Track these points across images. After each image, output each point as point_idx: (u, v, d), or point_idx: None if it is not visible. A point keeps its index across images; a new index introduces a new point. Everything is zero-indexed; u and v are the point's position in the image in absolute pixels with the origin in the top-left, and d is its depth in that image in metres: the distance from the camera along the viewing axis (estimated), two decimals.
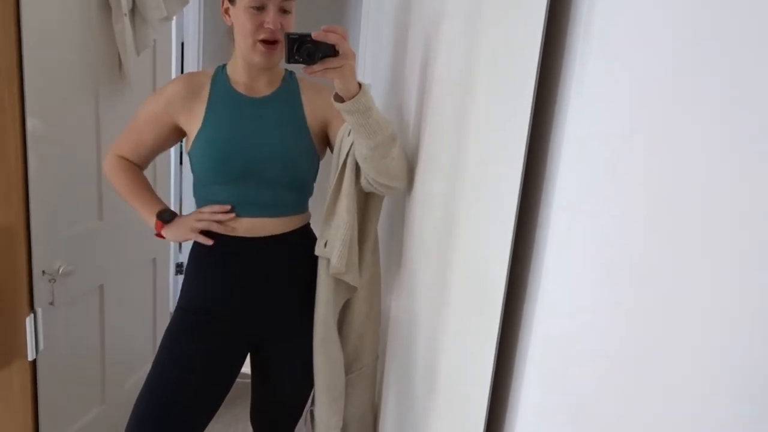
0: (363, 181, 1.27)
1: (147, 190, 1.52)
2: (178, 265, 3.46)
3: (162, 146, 1.48)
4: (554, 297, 0.58)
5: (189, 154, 1.41)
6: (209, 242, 1.41)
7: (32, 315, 1.14)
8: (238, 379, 1.51)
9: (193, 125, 1.39)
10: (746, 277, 0.32)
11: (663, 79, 0.42)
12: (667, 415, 0.38)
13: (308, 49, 1.05)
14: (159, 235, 1.48)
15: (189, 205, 3.28)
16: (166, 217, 1.46)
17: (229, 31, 1.40)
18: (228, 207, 1.40)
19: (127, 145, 1.48)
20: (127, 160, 1.50)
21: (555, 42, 0.62)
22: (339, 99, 1.12)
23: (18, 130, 1.07)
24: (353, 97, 1.10)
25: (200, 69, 3.22)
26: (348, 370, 1.46)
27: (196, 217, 1.41)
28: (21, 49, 1.06)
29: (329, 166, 1.41)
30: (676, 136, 0.39)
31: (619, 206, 0.46)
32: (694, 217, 0.37)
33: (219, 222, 1.40)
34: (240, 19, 1.32)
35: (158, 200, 1.51)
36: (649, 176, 0.42)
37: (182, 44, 3.29)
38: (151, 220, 1.47)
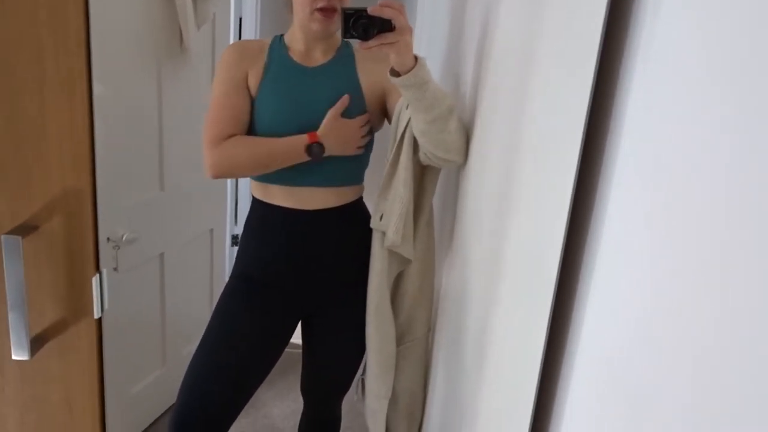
0: (420, 155, 1.27)
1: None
2: (234, 237, 3.55)
3: (250, 107, 1.40)
4: (609, 280, 0.56)
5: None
6: (361, 151, 1.43)
7: (98, 275, 1.19)
8: (289, 349, 1.54)
9: (253, 88, 1.40)
10: None
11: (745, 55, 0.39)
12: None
13: (364, 25, 1.04)
14: (317, 145, 1.34)
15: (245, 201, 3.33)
16: (316, 150, 1.35)
17: (287, 3, 1.41)
18: (367, 117, 1.41)
19: (225, 123, 1.36)
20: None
21: (620, 11, 0.59)
22: (395, 73, 1.11)
23: (85, 96, 1.11)
24: (409, 72, 1.09)
25: None
26: (400, 341, 1.47)
27: (360, 134, 1.40)
28: (89, 19, 1.10)
29: (386, 139, 1.41)
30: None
31: (679, 195, 0.44)
32: None
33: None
34: None
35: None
36: (729, 169, 0.40)
37: (240, 19, 3.33)
38: (301, 145, 1.34)
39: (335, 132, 1.36)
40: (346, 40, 1.45)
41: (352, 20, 1.04)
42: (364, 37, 1.05)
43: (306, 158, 1.35)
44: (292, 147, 1.34)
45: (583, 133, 0.60)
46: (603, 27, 0.58)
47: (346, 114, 1.38)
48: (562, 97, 0.69)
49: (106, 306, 1.22)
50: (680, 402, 0.41)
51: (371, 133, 1.45)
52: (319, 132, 1.35)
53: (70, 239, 1.15)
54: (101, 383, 1.24)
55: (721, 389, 0.37)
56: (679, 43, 0.48)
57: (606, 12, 0.57)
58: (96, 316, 1.19)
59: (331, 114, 1.36)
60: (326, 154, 1.35)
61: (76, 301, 1.19)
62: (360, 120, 1.39)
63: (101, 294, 1.19)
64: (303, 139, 1.34)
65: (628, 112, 0.56)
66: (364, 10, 1.04)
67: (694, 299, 0.41)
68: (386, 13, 1.04)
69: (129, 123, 1.79)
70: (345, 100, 1.37)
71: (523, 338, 0.75)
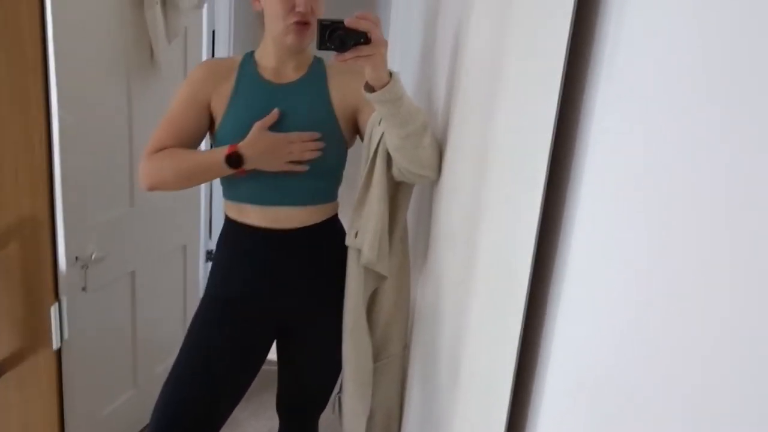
0: (394, 170, 1.26)
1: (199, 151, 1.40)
2: (209, 252, 3.50)
3: (201, 130, 1.42)
4: (579, 291, 0.56)
5: (215, 139, 1.41)
6: (304, 168, 1.36)
7: (57, 304, 1.15)
8: (264, 367, 1.52)
9: (219, 109, 1.38)
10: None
11: (696, 69, 0.39)
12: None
13: (340, 36, 1.04)
14: (235, 155, 1.31)
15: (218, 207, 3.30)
16: (233, 160, 1.32)
17: (259, 17, 1.40)
18: (317, 135, 1.35)
19: (166, 136, 1.38)
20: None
21: (585, 26, 0.59)
22: (369, 89, 1.11)
23: (43, 122, 1.08)
24: (384, 87, 1.09)
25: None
26: (376, 358, 1.46)
27: (287, 150, 1.33)
28: (45, 41, 1.06)
29: (358, 156, 1.40)
30: (714, 130, 0.37)
31: (647, 202, 0.44)
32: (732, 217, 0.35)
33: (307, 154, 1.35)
34: (271, 2, 1.32)
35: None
36: (685, 171, 0.40)
37: (213, 32, 3.30)
38: (221, 156, 1.32)
39: (258, 145, 1.32)
40: (317, 57, 1.45)
41: (328, 32, 1.04)
42: (341, 48, 1.05)
43: (228, 170, 1.33)
44: (213, 159, 1.33)
45: (551, 147, 0.61)
46: (567, 46, 0.58)
47: (317, 131, 1.37)
48: (530, 114, 0.69)
49: (66, 335, 1.18)
50: (652, 415, 0.41)
51: (344, 149, 1.44)
52: (240, 143, 1.33)
53: (27, 268, 1.11)
54: (61, 410, 1.20)
55: (695, 406, 0.37)
56: (640, 62, 0.48)
57: (570, 31, 0.58)
58: (55, 347, 1.15)
59: (256, 126, 1.33)
60: (248, 167, 1.33)
61: (34, 332, 1.15)
62: (293, 136, 1.34)
63: (60, 323, 1.15)
64: (224, 150, 1.32)
65: (592, 128, 0.57)
66: (341, 22, 1.04)
67: (667, 310, 0.41)
68: (363, 26, 1.04)
69: (97, 139, 1.76)
70: (275, 114, 1.34)
71: (495, 353, 0.75)
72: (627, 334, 0.46)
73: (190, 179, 1.38)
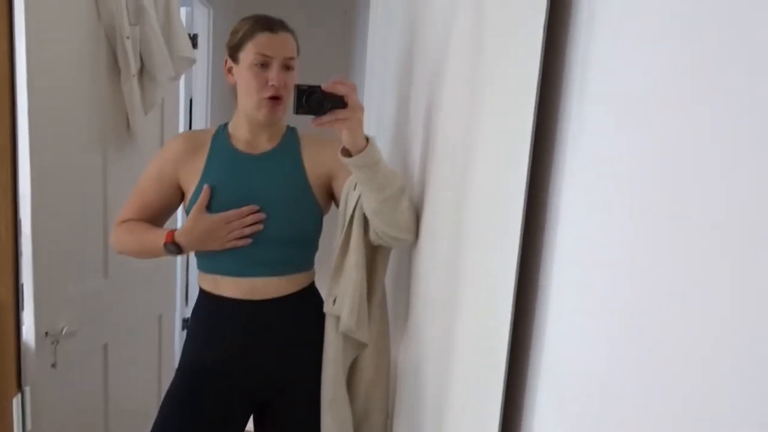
0: (372, 235, 1.26)
1: (154, 227, 1.42)
2: (185, 320, 3.43)
3: (168, 206, 1.46)
4: (560, 353, 0.56)
5: (187, 211, 1.40)
6: (247, 242, 1.35)
7: (19, 395, 1.10)
8: None
9: (191, 182, 1.39)
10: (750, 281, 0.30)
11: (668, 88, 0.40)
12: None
13: (318, 99, 1.06)
14: (171, 244, 1.34)
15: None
16: (171, 250, 1.35)
17: (232, 90, 1.42)
18: (256, 208, 1.35)
19: (133, 209, 1.44)
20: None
21: (552, 91, 0.61)
22: (346, 153, 1.12)
23: (9, 205, 1.05)
24: (361, 151, 1.10)
25: (208, 125, 3.27)
26: (357, 429, 1.41)
27: (227, 229, 1.33)
28: (15, 122, 1.05)
29: (334, 222, 1.40)
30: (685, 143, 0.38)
31: (622, 256, 0.44)
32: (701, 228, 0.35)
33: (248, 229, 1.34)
34: (244, 77, 1.34)
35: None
36: (660, 203, 0.40)
37: (191, 100, 3.35)
38: (161, 238, 1.36)
39: (194, 231, 1.33)
40: (290, 126, 1.47)
41: (305, 96, 1.06)
42: (318, 112, 1.06)
43: (169, 255, 1.36)
44: (156, 243, 1.35)
45: (523, 215, 0.61)
46: (534, 114, 0.59)
47: (292, 201, 1.38)
48: (502, 181, 0.70)
49: (29, 426, 1.12)
50: None
51: (320, 216, 1.44)
52: (177, 231, 1.35)
53: None
54: None
55: (686, 410, 0.36)
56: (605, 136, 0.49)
57: (537, 94, 0.59)
58: None
59: (194, 210, 1.35)
60: (188, 251, 1.35)
61: None
62: (230, 215, 1.33)
63: (23, 415, 1.09)
64: (162, 236, 1.34)
65: (562, 199, 0.57)
66: (318, 87, 1.06)
67: (643, 342, 0.40)
68: (339, 90, 1.06)
69: (70, 211, 1.73)
70: (206, 191, 1.34)
71: (478, 421, 0.73)
72: (610, 396, 0.45)
73: (147, 255, 1.43)
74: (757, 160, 0.32)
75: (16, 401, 1.09)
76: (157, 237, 1.36)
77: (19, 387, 1.09)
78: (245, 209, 1.34)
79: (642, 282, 0.42)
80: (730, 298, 0.33)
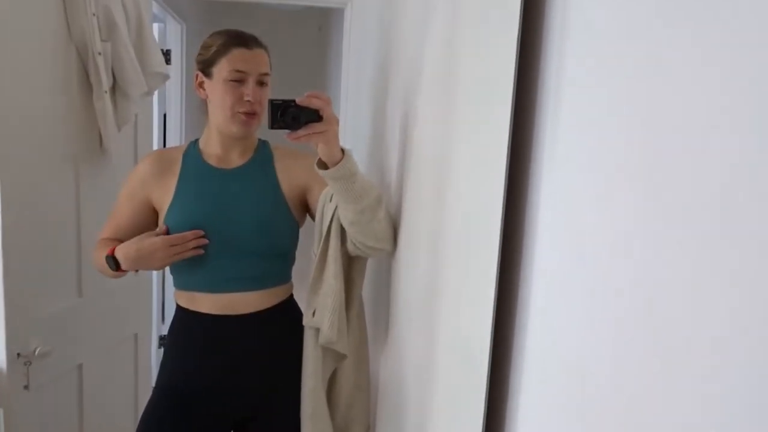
0: (349, 245, 1.26)
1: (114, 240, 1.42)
2: (161, 338, 3.37)
3: (140, 225, 1.43)
4: (539, 359, 0.56)
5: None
6: (200, 252, 1.34)
7: None
8: None
9: (164, 200, 1.38)
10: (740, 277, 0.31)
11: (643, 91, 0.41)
12: None
13: (292, 113, 1.06)
14: (112, 258, 1.34)
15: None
16: (110, 262, 1.35)
17: (203, 105, 1.41)
18: (201, 232, 1.33)
19: (110, 228, 1.45)
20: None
21: (526, 106, 0.62)
22: (323, 166, 1.12)
23: None
24: (337, 163, 1.10)
25: (183, 140, 3.24)
26: None
27: (170, 252, 1.31)
28: None
29: (310, 234, 1.39)
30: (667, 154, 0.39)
31: (600, 275, 0.45)
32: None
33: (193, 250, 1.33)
34: (218, 92, 1.33)
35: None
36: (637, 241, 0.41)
37: (165, 116, 3.32)
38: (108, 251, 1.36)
39: (137, 247, 1.32)
40: (262, 140, 1.47)
41: (280, 111, 1.06)
42: (293, 126, 1.06)
43: (120, 271, 1.34)
44: (103, 258, 1.35)
45: (502, 218, 0.62)
46: (510, 122, 0.60)
47: (266, 214, 1.37)
48: (481, 188, 0.71)
49: None
50: None
51: (295, 229, 1.43)
52: (118, 246, 1.34)
53: None
54: None
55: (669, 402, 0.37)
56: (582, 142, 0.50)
57: (512, 102, 0.60)
58: None
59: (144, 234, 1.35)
60: (124, 269, 1.34)
61: None
62: (174, 238, 1.32)
63: None
64: (109, 250, 1.34)
65: (541, 206, 0.58)
66: (293, 101, 1.06)
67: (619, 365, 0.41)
68: (314, 104, 1.06)
69: (42, 229, 1.70)
70: (162, 231, 1.34)
71: (460, 428, 0.73)
72: (585, 412, 0.45)
73: (102, 272, 1.40)
74: (727, 158, 0.33)
75: None
76: (107, 251, 1.35)
77: None
78: (189, 234, 1.33)
79: (618, 284, 0.43)
80: (693, 293, 0.34)
